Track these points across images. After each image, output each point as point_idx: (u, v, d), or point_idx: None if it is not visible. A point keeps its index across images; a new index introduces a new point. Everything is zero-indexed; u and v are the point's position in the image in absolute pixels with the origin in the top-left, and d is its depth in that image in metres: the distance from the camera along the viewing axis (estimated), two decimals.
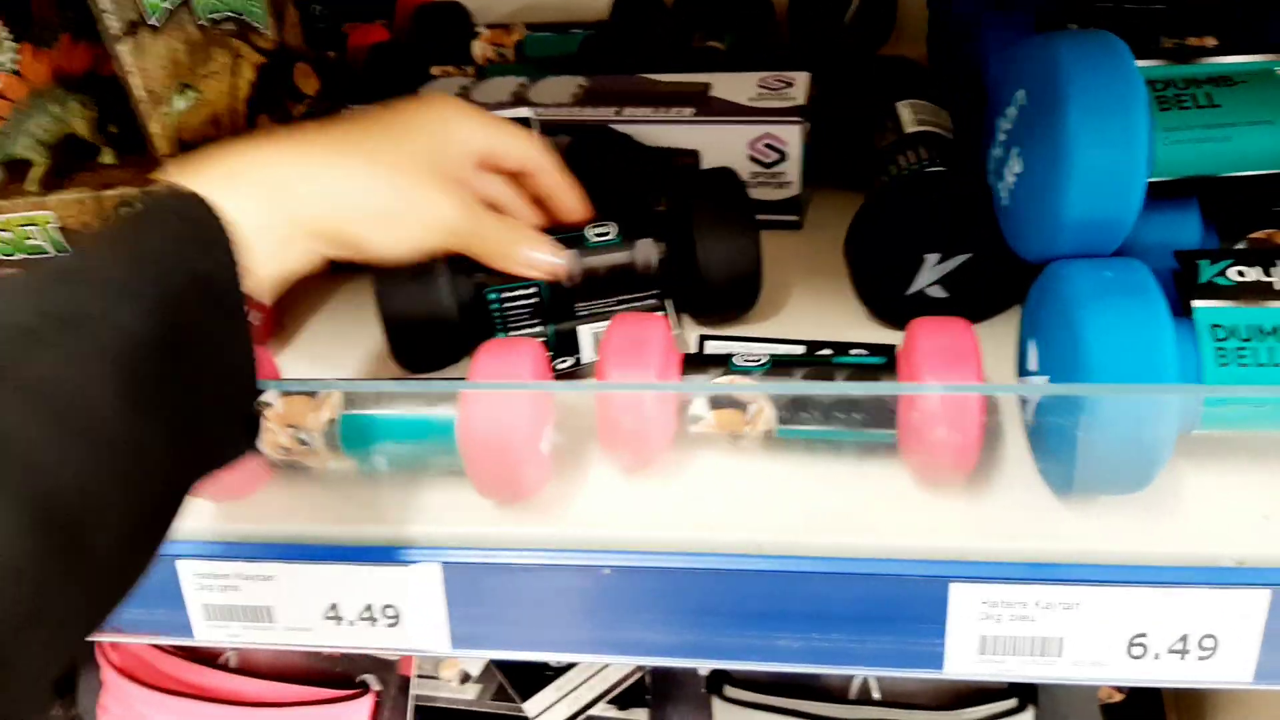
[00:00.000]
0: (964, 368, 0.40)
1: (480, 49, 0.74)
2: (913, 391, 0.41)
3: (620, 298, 0.51)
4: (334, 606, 0.45)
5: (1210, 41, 0.60)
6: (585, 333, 0.50)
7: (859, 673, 0.43)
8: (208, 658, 0.72)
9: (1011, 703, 0.61)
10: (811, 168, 0.61)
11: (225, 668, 0.72)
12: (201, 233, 0.33)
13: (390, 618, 0.45)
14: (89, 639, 0.29)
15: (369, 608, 0.45)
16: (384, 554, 0.44)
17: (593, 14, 0.76)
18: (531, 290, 0.49)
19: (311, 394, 0.43)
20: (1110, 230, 0.40)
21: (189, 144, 0.50)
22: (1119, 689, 0.69)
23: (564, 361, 0.50)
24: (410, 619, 0.44)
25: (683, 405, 0.44)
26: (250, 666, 0.72)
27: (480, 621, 0.44)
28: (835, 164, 0.62)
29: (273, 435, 0.43)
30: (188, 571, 0.45)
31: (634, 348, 0.43)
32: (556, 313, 0.50)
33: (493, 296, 0.49)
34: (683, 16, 0.73)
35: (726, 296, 0.51)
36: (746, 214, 0.50)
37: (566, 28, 0.74)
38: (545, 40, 0.73)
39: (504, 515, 0.44)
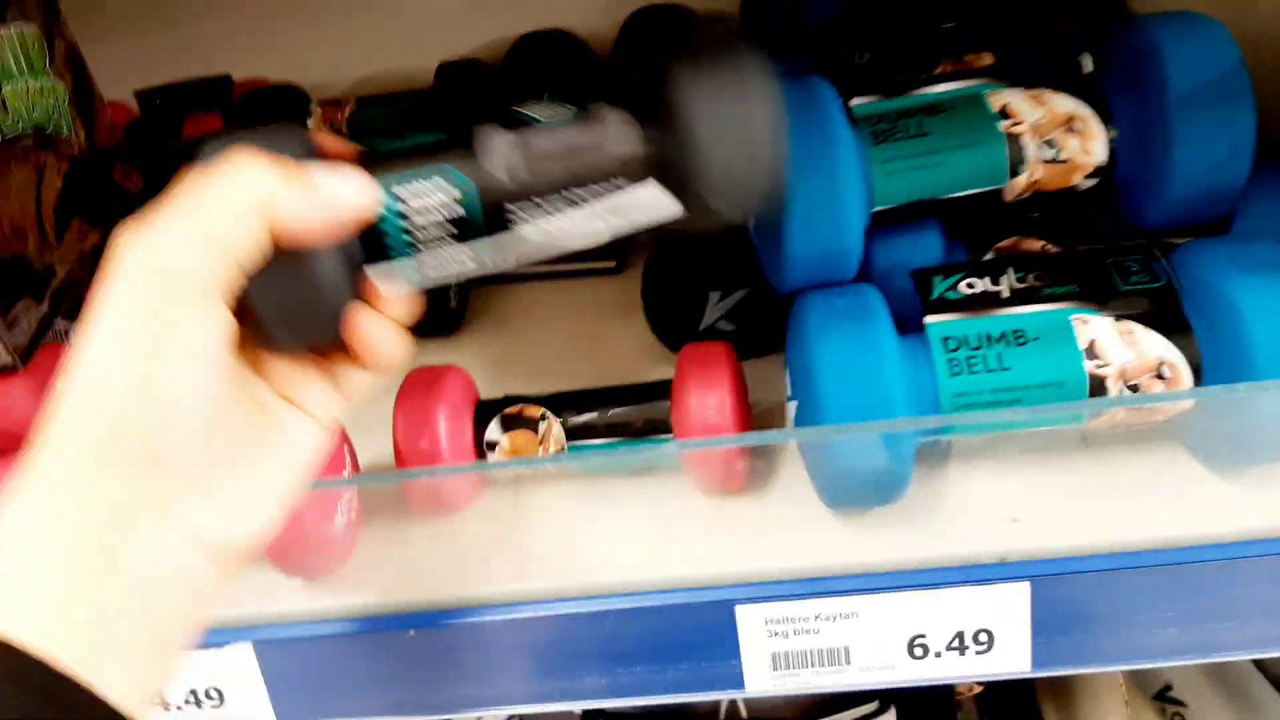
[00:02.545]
0: (717, 380, 0.44)
1: (313, 127, 0.76)
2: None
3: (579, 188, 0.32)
4: None
5: (987, 58, 0.64)
6: (531, 231, 0.33)
7: (665, 700, 0.45)
8: None
9: (873, 705, 0.63)
10: None
11: None
12: None
13: (213, 700, 0.46)
14: None
15: (192, 693, 0.46)
16: None
17: (427, 82, 0.78)
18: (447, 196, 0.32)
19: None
20: (838, 261, 0.43)
21: None
22: (978, 681, 0.71)
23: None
24: (233, 700, 0.46)
25: (479, 439, 0.46)
26: None
27: (301, 695, 0.46)
28: None
29: None
30: None
31: (426, 393, 0.45)
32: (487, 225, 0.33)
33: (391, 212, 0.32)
34: (508, 81, 0.75)
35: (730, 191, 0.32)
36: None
37: (398, 98, 0.76)
38: (373, 113, 0.75)
39: (313, 589, 0.46)
